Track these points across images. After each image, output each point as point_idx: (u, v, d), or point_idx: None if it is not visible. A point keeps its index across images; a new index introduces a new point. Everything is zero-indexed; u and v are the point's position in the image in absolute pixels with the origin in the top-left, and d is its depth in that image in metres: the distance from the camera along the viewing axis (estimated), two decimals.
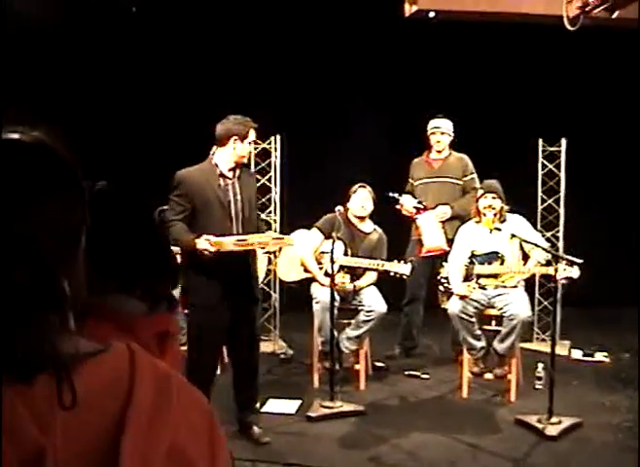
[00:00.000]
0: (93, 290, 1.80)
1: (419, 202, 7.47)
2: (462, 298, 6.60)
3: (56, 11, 7.75)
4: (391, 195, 7.44)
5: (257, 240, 5.42)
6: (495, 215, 6.69)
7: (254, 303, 5.68)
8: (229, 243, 5.27)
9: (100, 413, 1.07)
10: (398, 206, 7.52)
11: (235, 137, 5.53)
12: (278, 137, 7.97)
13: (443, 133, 7.65)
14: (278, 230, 7.95)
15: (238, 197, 5.54)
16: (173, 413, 1.13)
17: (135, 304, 1.84)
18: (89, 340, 1.49)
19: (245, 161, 5.72)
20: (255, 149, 7.89)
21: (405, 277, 6.85)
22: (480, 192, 6.90)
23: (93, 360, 1.10)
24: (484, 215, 6.75)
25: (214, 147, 5.60)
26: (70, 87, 8.46)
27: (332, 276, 6.25)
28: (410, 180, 7.81)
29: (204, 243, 5.24)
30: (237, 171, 5.59)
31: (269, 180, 7.97)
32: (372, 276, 6.95)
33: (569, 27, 5.07)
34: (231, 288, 5.43)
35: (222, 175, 5.54)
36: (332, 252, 6.17)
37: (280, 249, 6.85)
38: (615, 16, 4.98)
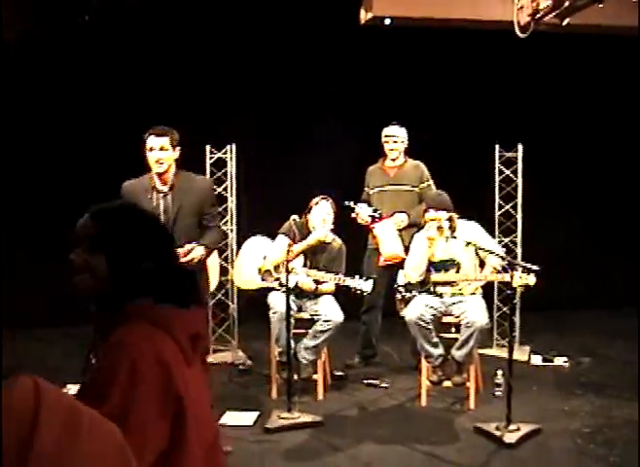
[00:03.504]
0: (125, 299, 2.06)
1: (375, 211, 7.43)
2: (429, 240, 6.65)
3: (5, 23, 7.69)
4: (347, 203, 7.39)
5: None
6: (439, 228, 6.64)
7: None
8: None
9: (3, 448, 1.02)
10: (354, 215, 7.47)
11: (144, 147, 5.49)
12: (234, 146, 7.89)
13: (396, 141, 7.59)
14: (235, 239, 7.89)
15: (170, 210, 5.44)
16: (81, 447, 1.10)
17: (165, 305, 2.07)
18: (132, 340, 1.66)
19: (160, 169, 5.48)
20: (210, 158, 7.84)
21: (365, 294, 6.80)
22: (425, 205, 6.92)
23: None
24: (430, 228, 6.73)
25: None
26: (17, 99, 8.37)
27: (287, 287, 6.18)
28: (366, 188, 7.76)
29: None
30: (171, 181, 5.51)
31: (225, 189, 7.90)
32: (331, 285, 6.91)
33: (520, 34, 5.07)
34: None
35: (154, 188, 5.47)
36: (287, 262, 6.11)
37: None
38: (565, 23, 4.98)
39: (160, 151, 5.46)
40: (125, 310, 2.01)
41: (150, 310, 2.02)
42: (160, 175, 5.49)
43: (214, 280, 6.55)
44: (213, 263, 6.20)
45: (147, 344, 1.92)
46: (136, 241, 2.10)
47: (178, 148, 5.56)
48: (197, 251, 5.43)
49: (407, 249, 7.14)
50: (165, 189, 5.49)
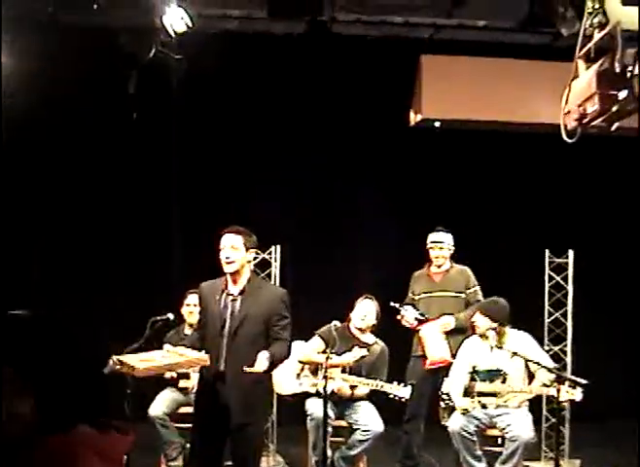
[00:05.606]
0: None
1: (421, 314, 7.29)
2: (464, 412, 6.39)
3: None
4: (392, 304, 7.28)
5: (164, 363, 5.11)
6: (483, 335, 6.49)
7: (246, 424, 5.26)
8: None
9: None
10: (398, 317, 7.34)
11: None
12: (278, 247, 7.82)
13: (442, 248, 7.48)
14: None
15: (237, 315, 5.27)
16: None
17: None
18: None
19: (229, 269, 5.30)
20: (255, 259, 7.75)
21: (404, 400, 6.59)
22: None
23: None
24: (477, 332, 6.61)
25: None
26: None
27: (325, 394, 5.97)
28: (411, 294, 7.62)
29: None
30: (243, 286, 5.35)
31: None
32: (366, 388, 6.73)
33: (567, 139, 4.94)
34: (223, 404, 5.22)
35: (224, 291, 5.35)
36: (325, 369, 5.91)
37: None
38: (614, 127, 4.84)
39: (231, 249, 5.30)
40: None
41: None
42: (232, 277, 5.36)
43: None
44: None
45: None
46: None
47: (253, 250, 5.46)
48: (261, 363, 5.07)
49: (453, 355, 6.98)
50: (235, 292, 5.35)
